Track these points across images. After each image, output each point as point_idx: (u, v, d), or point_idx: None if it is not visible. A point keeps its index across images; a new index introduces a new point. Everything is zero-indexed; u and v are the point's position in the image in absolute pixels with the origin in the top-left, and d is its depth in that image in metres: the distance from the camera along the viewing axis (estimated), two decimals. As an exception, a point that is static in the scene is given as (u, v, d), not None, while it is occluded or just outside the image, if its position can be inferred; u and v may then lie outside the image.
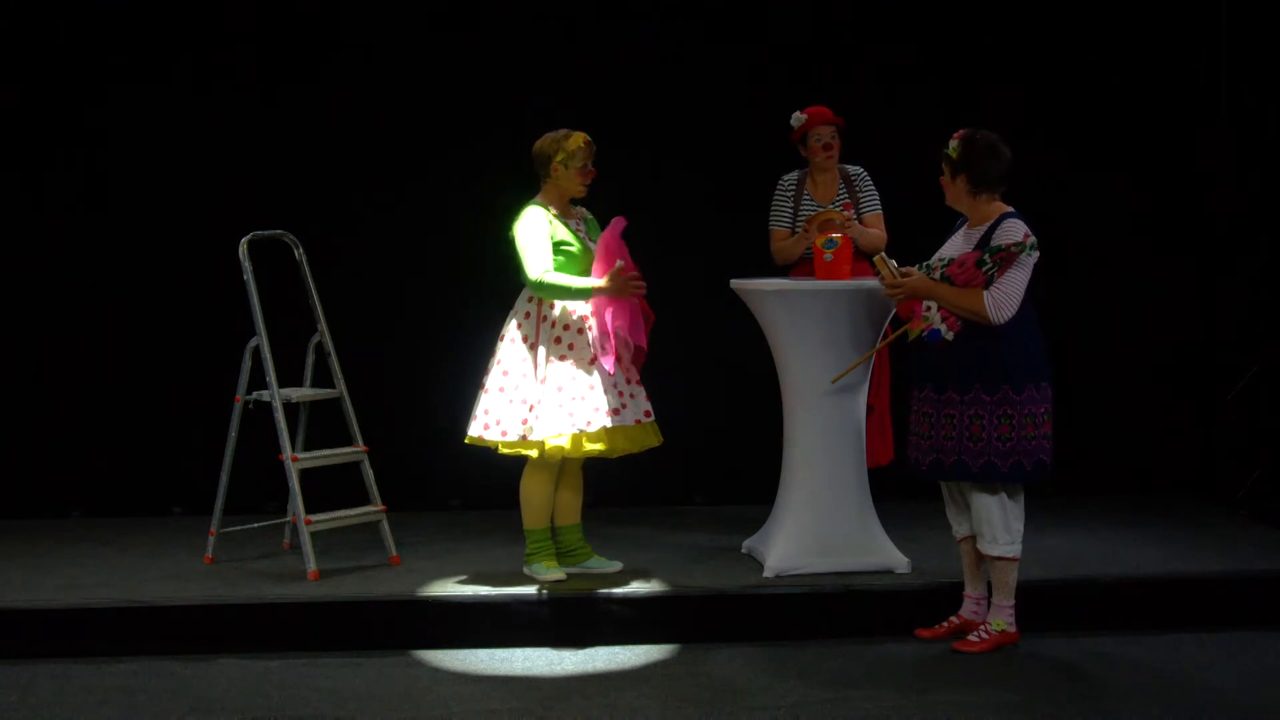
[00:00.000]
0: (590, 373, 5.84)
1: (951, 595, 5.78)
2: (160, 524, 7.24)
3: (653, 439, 6.01)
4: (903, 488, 7.03)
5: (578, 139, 5.90)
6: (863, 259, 6.31)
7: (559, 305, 5.87)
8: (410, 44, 7.49)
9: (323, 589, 5.93)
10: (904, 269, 5.49)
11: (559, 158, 5.88)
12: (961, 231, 5.53)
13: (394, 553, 6.34)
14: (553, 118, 6.38)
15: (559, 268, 5.82)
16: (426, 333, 7.40)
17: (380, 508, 6.38)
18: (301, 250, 6.48)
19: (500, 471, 6.35)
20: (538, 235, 5.81)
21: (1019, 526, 5.46)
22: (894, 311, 5.81)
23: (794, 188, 6.54)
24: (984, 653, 5.45)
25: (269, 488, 6.92)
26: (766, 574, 5.95)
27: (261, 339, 6.26)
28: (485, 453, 6.06)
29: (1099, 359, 7.56)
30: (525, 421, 5.81)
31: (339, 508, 6.34)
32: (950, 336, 5.37)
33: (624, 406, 5.89)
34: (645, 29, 7.50)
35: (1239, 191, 7.48)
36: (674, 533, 6.87)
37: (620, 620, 5.74)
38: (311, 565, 6.07)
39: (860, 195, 6.50)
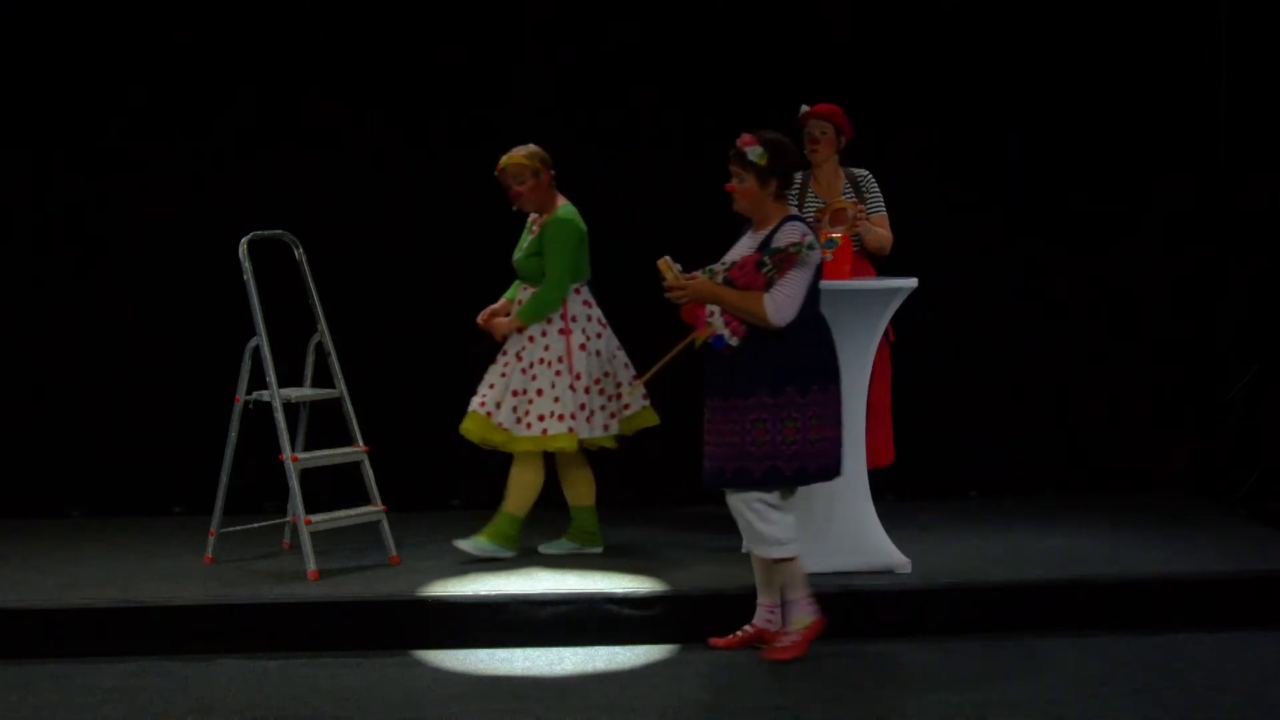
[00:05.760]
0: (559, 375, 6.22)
1: (951, 595, 5.79)
2: (160, 524, 7.24)
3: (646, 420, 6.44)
4: (903, 488, 7.05)
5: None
6: (863, 257, 6.34)
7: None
8: (411, 43, 7.49)
9: (323, 589, 5.93)
10: (688, 273, 5.35)
11: None
12: (748, 234, 5.45)
13: (394, 553, 6.34)
14: (553, 116, 6.41)
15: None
16: (426, 333, 7.39)
17: (380, 508, 6.37)
18: (301, 250, 6.48)
19: (500, 471, 6.35)
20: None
21: (790, 521, 5.36)
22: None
23: (798, 187, 6.54)
24: (798, 657, 5.38)
25: (269, 488, 6.91)
26: (766, 574, 5.94)
27: (261, 339, 6.26)
28: (484, 452, 6.09)
29: (1098, 359, 7.56)
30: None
31: (339, 508, 6.34)
32: (735, 342, 5.24)
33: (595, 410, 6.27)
34: (645, 27, 7.50)
35: (1239, 192, 7.48)
36: (674, 533, 6.88)
37: (620, 620, 5.74)
38: (311, 565, 6.07)
39: (866, 197, 6.51)
